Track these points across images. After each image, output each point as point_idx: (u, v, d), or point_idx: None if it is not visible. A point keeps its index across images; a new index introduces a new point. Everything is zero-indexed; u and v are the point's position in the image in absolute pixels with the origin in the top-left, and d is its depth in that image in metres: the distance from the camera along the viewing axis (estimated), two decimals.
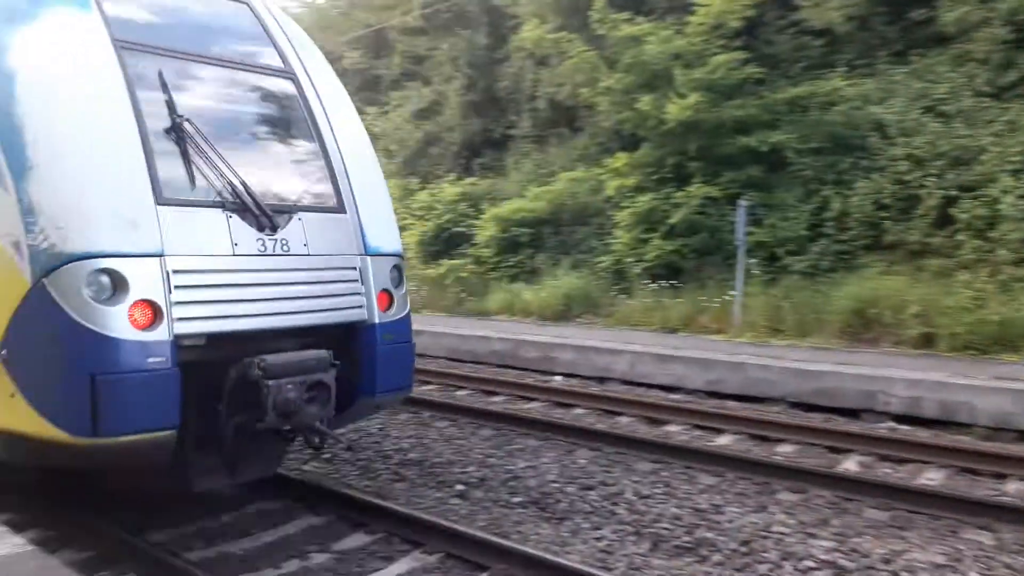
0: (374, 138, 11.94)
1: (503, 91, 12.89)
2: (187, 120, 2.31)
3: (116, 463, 2.23)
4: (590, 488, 4.65)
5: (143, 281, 1.99)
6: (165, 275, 2.06)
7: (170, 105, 2.28)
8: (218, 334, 2.21)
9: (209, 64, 2.50)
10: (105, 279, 2.00)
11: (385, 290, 2.71)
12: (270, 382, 2.37)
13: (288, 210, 2.41)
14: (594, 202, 10.78)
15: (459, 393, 7.41)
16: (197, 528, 3.90)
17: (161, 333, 2.03)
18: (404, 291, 2.85)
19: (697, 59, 9.37)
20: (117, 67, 2.21)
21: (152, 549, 3.38)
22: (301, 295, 2.45)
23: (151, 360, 1.99)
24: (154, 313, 2.01)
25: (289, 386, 2.39)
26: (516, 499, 4.52)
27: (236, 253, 2.25)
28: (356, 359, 2.65)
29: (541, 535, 4.04)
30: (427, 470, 5.07)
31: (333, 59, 17.26)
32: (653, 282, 9.58)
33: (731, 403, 6.74)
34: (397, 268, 2.85)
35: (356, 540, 3.93)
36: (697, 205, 9.36)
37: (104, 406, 1.93)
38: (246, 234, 2.32)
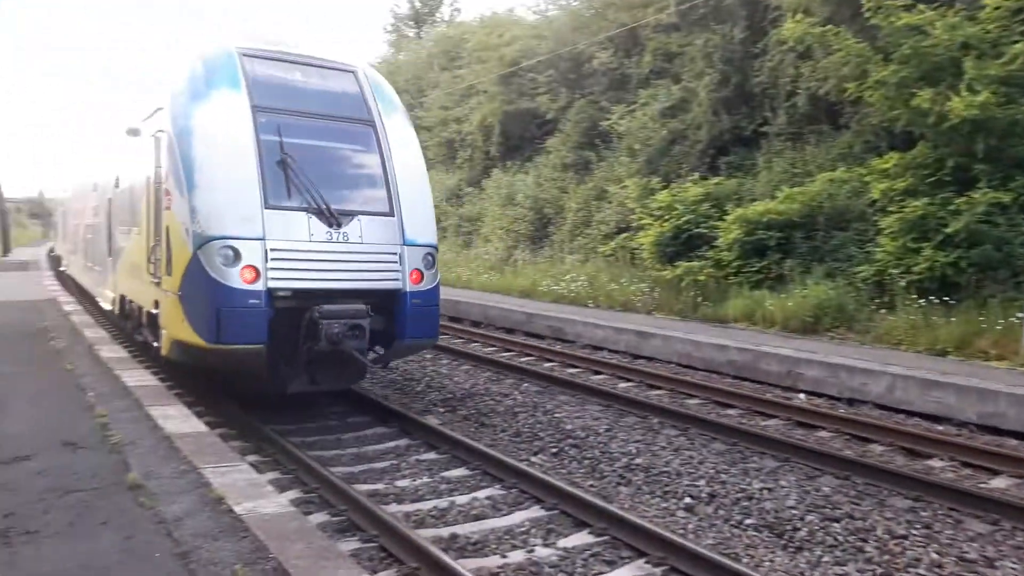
0: (618, 137, 14.39)
1: (758, 87, 12.38)
2: (289, 156, 4.20)
3: (232, 364, 4.11)
4: (835, 520, 4.45)
5: (250, 254, 3.84)
6: (264, 251, 3.92)
7: (280, 146, 4.19)
8: (295, 289, 4.05)
9: (312, 118, 4.39)
10: (229, 252, 3.91)
11: (417, 269, 4.51)
12: (323, 321, 4.20)
13: (350, 213, 4.32)
14: (856, 205, 10.02)
15: (690, 402, 7.42)
16: (432, 507, 4.76)
17: (259, 286, 3.87)
18: (434, 271, 4.56)
19: (991, 48, 8.47)
20: (250, 125, 4.06)
21: (392, 520, 4.30)
22: (353, 269, 4.25)
23: (251, 301, 3.70)
24: (256, 274, 3.82)
25: (335, 325, 4.20)
26: (749, 521, 4.47)
27: (311, 240, 4.12)
28: (393, 315, 4.48)
29: (775, 563, 3.95)
30: (653, 477, 5.17)
31: (582, 60, 17.67)
32: (921, 297, 8.71)
33: (1011, 441, 6.03)
34: (429, 255, 4.59)
35: (580, 539, 4.22)
36: (982, 213, 8.37)
37: (223, 326, 3.71)
38: (319, 228, 4.19)
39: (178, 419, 5.35)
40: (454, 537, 4.40)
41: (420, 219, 5.22)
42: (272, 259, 4.57)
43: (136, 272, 6.49)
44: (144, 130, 6.02)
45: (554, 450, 5.91)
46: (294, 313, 4.75)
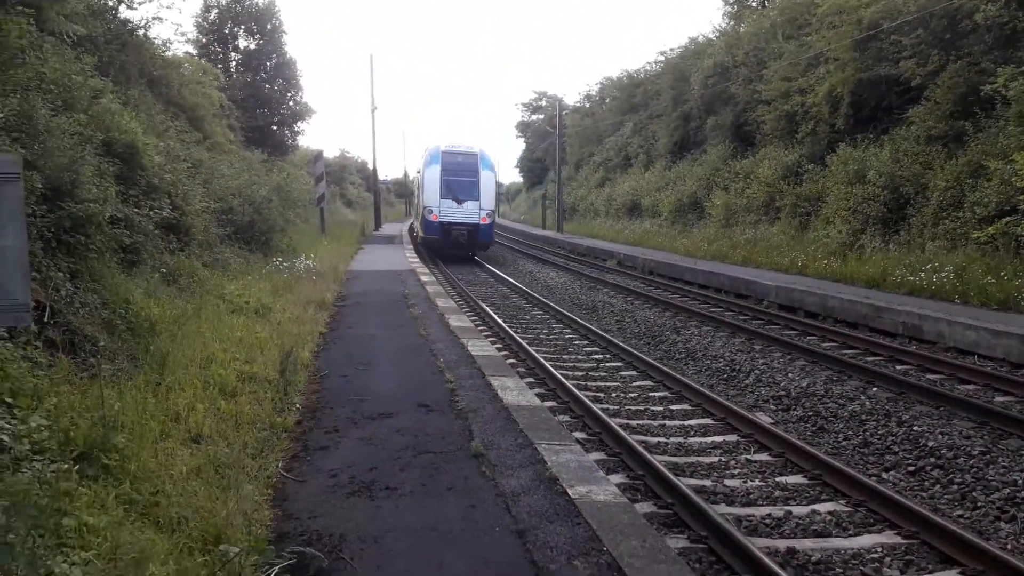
0: (1004, 103, 12.90)
1: None
2: (449, 183, 21.92)
3: (430, 243, 22.44)
4: None
5: (436, 211, 21.76)
6: (440, 210, 21.73)
7: (448, 183, 21.93)
8: (450, 222, 21.80)
9: (460, 172, 22.03)
10: (432, 210, 21.98)
11: (484, 217, 21.92)
12: (453, 230, 21.85)
13: (465, 199, 21.88)
14: None
15: None
16: (767, 514, 4.76)
17: (438, 221, 21.71)
18: (492, 220, 22.19)
19: None
20: (439, 173, 21.98)
21: (724, 524, 4.29)
22: (464, 216, 21.83)
23: (435, 224, 21.68)
24: (437, 216, 21.77)
25: (456, 231, 22.03)
26: None
27: (455, 209, 21.79)
28: (476, 232, 21.93)
29: None
30: None
31: (960, 17, 15.97)
32: None
33: None
34: (490, 215, 22.03)
35: None
36: None
37: (426, 231, 22.20)
38: (457, 204, 21.78)
39: (515, 391, 5.97)
40: (791, 552, 4.33)
41: (487, 201, 22.04)
42: (442, 213, 21.81)
43: (417, 218, 26.83)
44: (419, 171, 24.42)
45: (911, 468, 5.56)
46: (452, 230, 21.82)
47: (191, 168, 11.49)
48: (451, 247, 23.12)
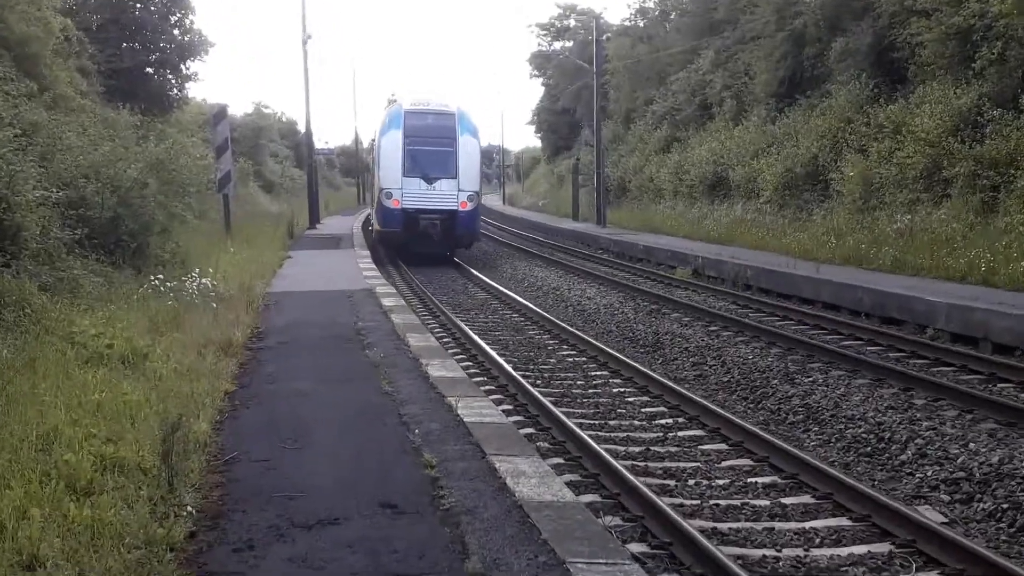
0: None
1: None
2: (415, 153, 25.74)
3: (388, 238, 26.88)
4: None
5: (397, 194, 25.32)
6: (402, 193, 25.28)
7: (413, 154, 25.69)
8: (415, 208, 25.31)
9: (429, 137, 26.07)
10: (391, 193, 25.37)
11: (464, 200, 25.48)
12: (421, 219, 25.61)
13: (437, 177, 25.51)
14: None
15: None
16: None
17: (399, 207, 25.28)
18: (475, 205, 26.01)
19: None
20: (401, 141, 25.83)
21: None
22: (436, 200, 25.46)
23: (396, 212, 25.35)
24: (398, 202, 25.29)
25: (425, 221, 25.73)
26: None
27: (421, 189, 25.37)
28: (453, 221, 25.68)
29: None
30: None
31: None
32: None
33: None
34: (472, 199, 25.69)
35: None
36: None
37: (384, 221, 25.92)
38: (425, 184, 25.35)
39: (534, 479, 5.89)
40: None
41: (468, 179, 25.72)
42: (404, 197, 25.35)
43: (372, 205, 30.43)
44: (374, 138, 30.30)
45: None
46: (415, 218, 25.41)
47: (19, 137, 11.48)
48: (419, 244, 25.92)
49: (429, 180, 25.39)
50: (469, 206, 25.53)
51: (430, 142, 25.85)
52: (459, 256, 27.11)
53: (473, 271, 23.94)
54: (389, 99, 29.99)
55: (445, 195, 25.41)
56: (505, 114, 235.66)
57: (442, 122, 26.24)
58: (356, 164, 69.41)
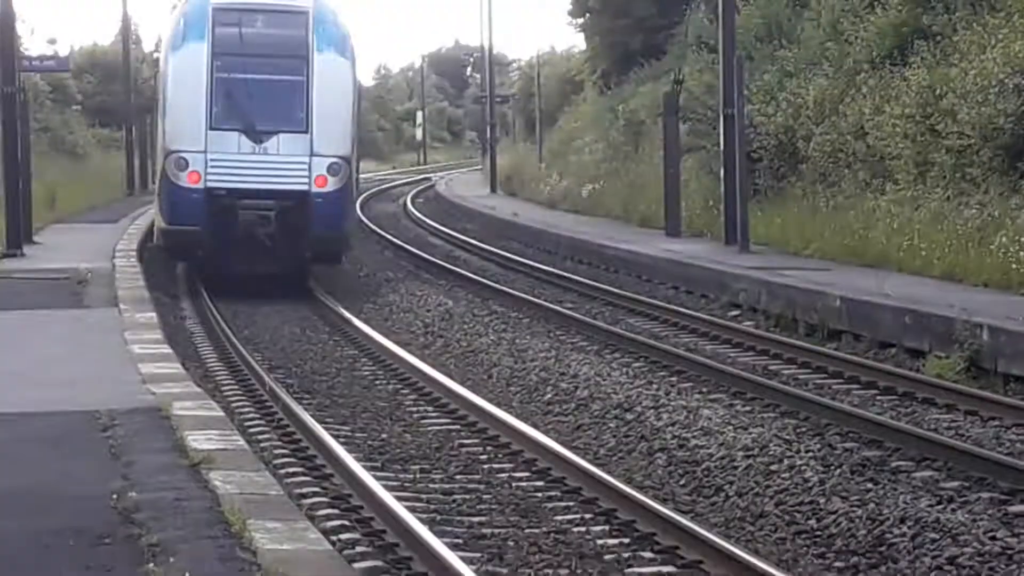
0: None
1: None
2: (231, 86, 33.69)
3: (180, 241, 35.01)
4: None
5: (196, 163, 33.35)
6: (206, 160, 33.25)
7: (228, 80, 33.51)
8: (230, 188, 33.29)
9: (259, 57, 33.94)
10: (185, 158, 33.52)
11: (321, 175, 32.98)
12: (241, 212, 33.63)
13: (273, 132, 33.32)
14: None
15: None
16: None
17: (200, 185, 33.30)
18: (345, 180, 33.89)
19: None
20: (205, 63, 33.28)
21: None
22: (272, 172, 33.80)
23: (194, 195, 33.42)
24: (199, 176, 33.15)
25: (249, 214, 33.74)
26: None
27: (240, 151, 33.40)
28: (304, 211, 33.64)
29: None
30: None
31: None
32: None
33: None
34: (336, 167, 33.20)
35: None
36: None
37: (173, 211, 34.59)
38: (247, 144, 33.27)
39: None
40: None
41: (330, 132, 33.06)
42: (211, 166, 32.72)
43: (157, 181, 39.47)
44: (159, 52, 49.42)
45: None
46: (230, 207, 32.77)
47: None
48: (238, 255, 32.35)
49: (258, 136, 30.48)
50: (332, 184, 30.81)
51: (259, 66, 31.20)
52: (356, 292, 30.47)
53: (389, 344, 23.78)
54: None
55: (287, 164, 30.96)
56: None
57: (284, 27, 31.73)
58: (127, 96, 70.67)
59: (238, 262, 30.06)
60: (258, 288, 26.23)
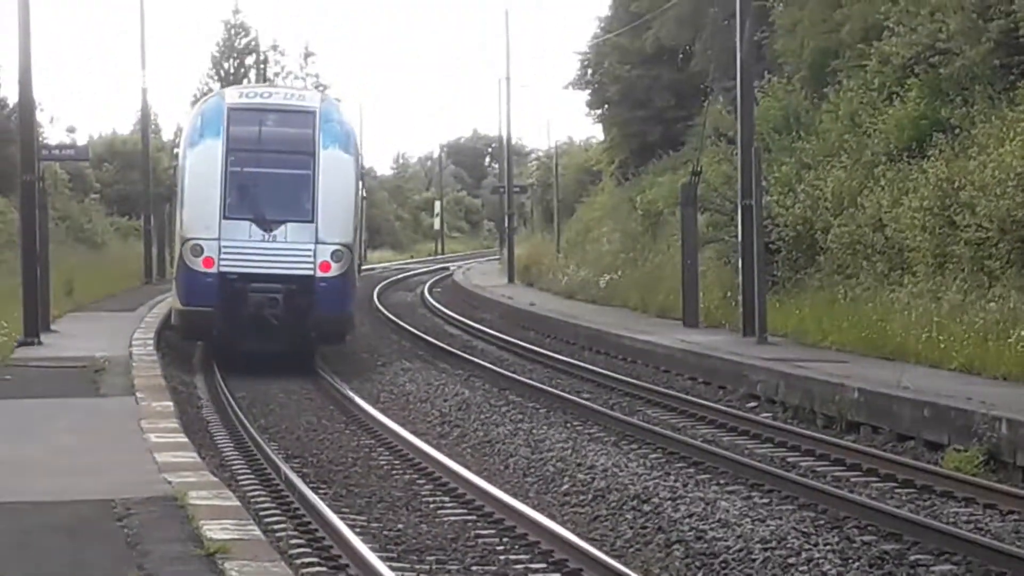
0: None
1: None
2: (243, 179, 37.12)
3: (195, 321, 38.24)
4: None
5: (210, 249, 36.18)
6: (219, 247, 36.19)
7: (240, 174, 36.74)
8: (241, 273, 36.27)
9: (269, 152, 37.76)
10: (201, 245, 36.52)
11: (325, 261, 36.15)
12: (251, 294, 36.90)
13: (281, 222, 36.50)
14: None
15: None
16: None
17: (214, 269, 36.21)
18: (348, 266, 36.94)
19: None
20: (220, 158, 36.59)
21: None
22: (280, 258, 36.99)
23: (208, 279, 36.40)
24: (213, 262, 36.11)
25: (258, 297, 37.01)
26: None
27: (251, 239, 36.60)
28: (310, 294, 36.86)
29: None
30: None
31: None
32: None
33: None
34: (339, 254, 36.38)
35: None
36: None
37: (189, 293, 37.69)
38: (257, 232, 36.52)
39: None
40: None
41: (335, 222, 36.18)
42: (224, 252, 35.58)
43: (174, 265, 44.60)
44: (178, 147, 47.83)
45: None
46: (240, 289, 35.80)
47: None
48: (248, 334, 34.77)
49: (267, 225, 33.23)
50: (335, 269, 33.55)
51: (270, 161, 34.31)
52: (361, 369, 31.51)
53: (403, 430, 23.72)
54: (197, 92, 36.04)
55: (294, 251, 33.70)
56: (520, 64, 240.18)
57: (293, 126, 34.97)
58: (146, 185, 70.75)
59: (248, 340, 32.64)
60: (272, 373, 27.09)
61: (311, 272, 32.18)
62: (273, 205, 32.83)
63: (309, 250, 32.44)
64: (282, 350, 32.82)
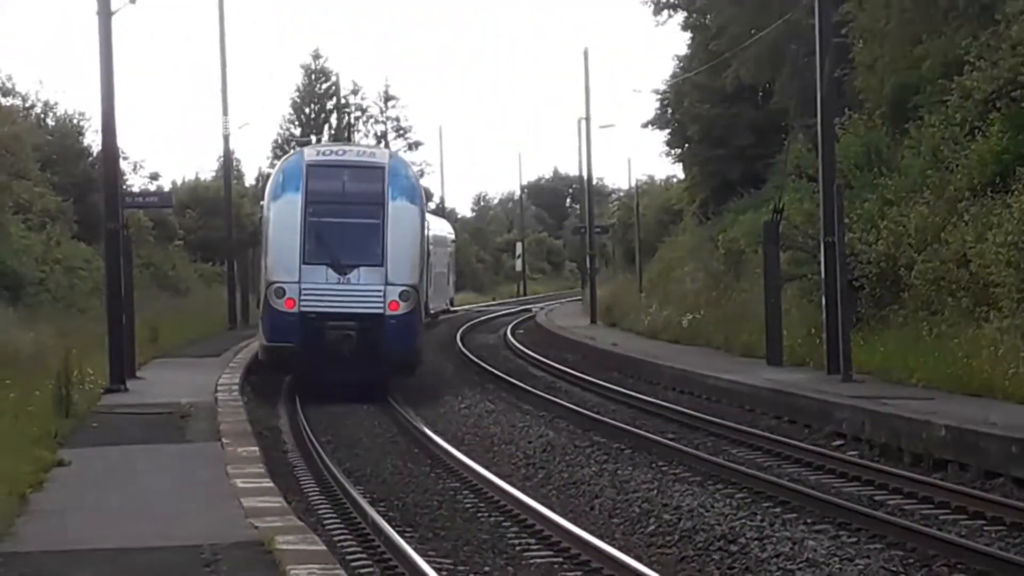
0: None
1: None
2: (320, 228, 43.38)
3: (278, 356, 44.52)
4: None
5: (291, 291, 42.40)
6: (299, 289, 42.30)
7: (318, 223, 43.17)
8: (319, 312, 42.45)
9: (343, 204, 44.21)
10: (284, 288, 42.66)
11: (393, 300, 42.11)
12: (328, 332, 43.75)
13: (354, 266, 42.60)
14: None
15: None
16: None
17: (295, 309, 42.23)
18: (414, 305, 43.04)
19: None
20: (300, 210, 42.88)
21: None
22: (353, 299, 43.52)
23: (290, 318, 42.49)
24: (294, 302, 42.14)
25: (333, 334, 43.62)
26: None
27: (327, 282, 42.70)
28: (380, 331, 43.08)
29: None
30: None
31: None
32: None
33: None
34: (406, 294, 42.30)
35: None
36: None
37: (273, 331, 43.61)
38: (333, 276, 42.54)
39: None
40: None
41: (402, 266, 41.72)
42: (304, 294, 41.54)
43: (259, 306, 50.07)
44: (263, 202, 51.09)
45: None
46: (321, 326, 41.98)
47: None
48: (326, 367, 38.72)
49: (342, 269, 37.52)
50: (403, 307, 37.63)
51: (344, 211, 38.92)
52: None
53: (497, 477, 23.73)
54: (279, 138, 37.87)
55: (366, 291, 38.14)
56: (600, 103, 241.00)
57: (364, 181, 39.54)
58: (228, 231, 71.38)
59: (326, 373, 36.66)
60: (356, 416, 28.43)
61: (381, 311, 36.61)
62: (347, 251, 37.23)
63: (379, 291, 36.99)
64: (356, 380, 36.94)
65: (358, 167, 38.72)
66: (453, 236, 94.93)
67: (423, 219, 39.91)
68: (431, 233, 74.89)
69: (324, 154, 38.80)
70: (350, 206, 38.31)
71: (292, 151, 42.69)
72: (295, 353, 36.59)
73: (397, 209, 37.50)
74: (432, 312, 76.70)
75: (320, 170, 37.93)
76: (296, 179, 37.43)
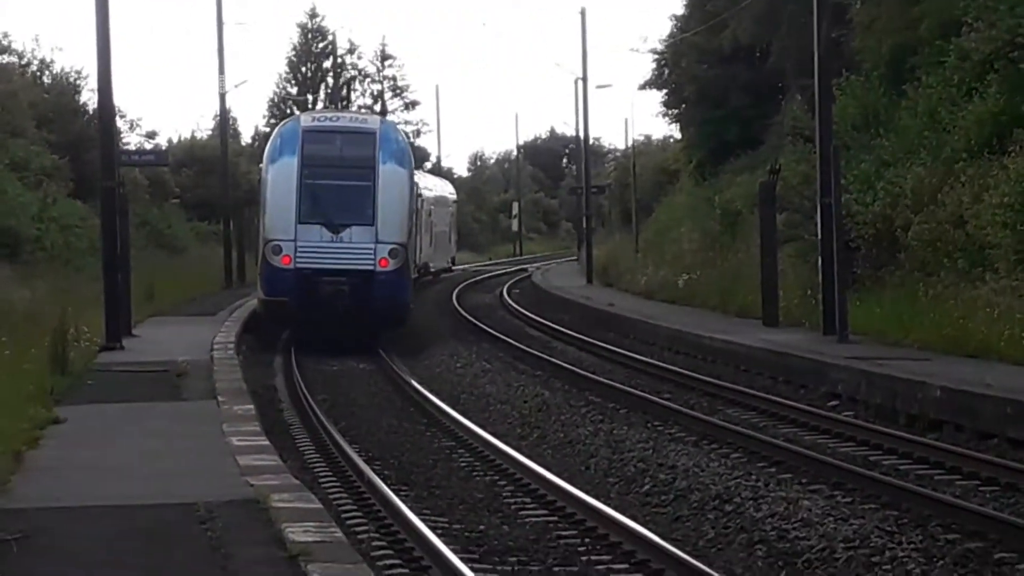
0: None
1: None
2: (315, 190, 48.60)
3: (275, 309, 48.66)
4: None
5: (287, 249, 46.62)
6: (295, 247, 46.47)
7: (313, 185, 47.91)
8: (314, 268, 46.54)
9: (336, 166, 48.96)
10: (280, 246, 47.05)
11: (383, 257, 46.58)
12: (324, 287, 48.74)
13: (347, 223, 47.32)
14: None
15: None
16: None
17: (291, 266, 46.28)
18: (403, 262, 47.53)
19: None
20: (296, 172, 47.52)
21: None
22: (346, 256, 47.92)
23: (286, 273, 46.58)
24: (290, 259, 46.20)
25: (327, 287, 48.97)
26: None
27: (322, 240, 47.11)
28: (370, 286, 48.18)
29: None
30: None
31: None
32: None
33: None
34: (395, 252, 46.84)
35: None
36: None
37: (270, 286, 47.69)
38: (327, 234, 47.09)
39: None
40: None
41: (392, 225, 45.92)
42: (299, 251, 45.22)
43: (257, 262, 55.94)
44: (261, 165, 54.88)
45: None
46: (314, 282, 46.13)
47: None
48: (320, 320, 41.82)
49: (335, 228, 40.73)
50: (392, 264, 40.87)
51: (338, 174, 42.42)
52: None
53: (490, 430, 23.76)
54: (275, 97, 38.75)
55: (357, 249, 41.34)
56: (597, 63, 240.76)
57: (356, 145, 42.61)
58: (225, 189, 71.46)
59: (319, 325, 40.18)
60: (352, 376, 27.87)
61: (372, 267, 39.95)
62: (340, 211, 40.93)
63: (370, 249, 40.37)
64: (348, 333, 40.64)
65: (351, 132, 41.87)
66: (455, 196, 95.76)
67: (412, 181, 42.64)
68: (433, 194, 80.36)
69: (319, 120, 42.15)
70: (343, 169, 41.66)
71: (289, 116, 46.28)
72: (291, 307, 39.39)
73: (387, 172, 40.58)
74: (433, 270, 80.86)
75: (315, 135, 40.98)
76: (293, 143, 40.36)
